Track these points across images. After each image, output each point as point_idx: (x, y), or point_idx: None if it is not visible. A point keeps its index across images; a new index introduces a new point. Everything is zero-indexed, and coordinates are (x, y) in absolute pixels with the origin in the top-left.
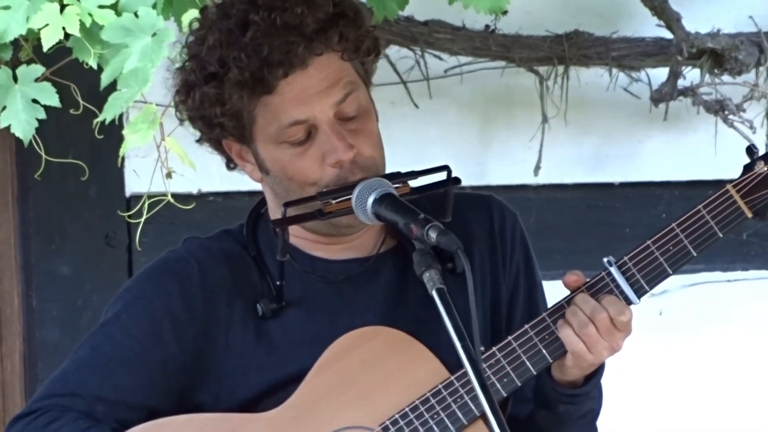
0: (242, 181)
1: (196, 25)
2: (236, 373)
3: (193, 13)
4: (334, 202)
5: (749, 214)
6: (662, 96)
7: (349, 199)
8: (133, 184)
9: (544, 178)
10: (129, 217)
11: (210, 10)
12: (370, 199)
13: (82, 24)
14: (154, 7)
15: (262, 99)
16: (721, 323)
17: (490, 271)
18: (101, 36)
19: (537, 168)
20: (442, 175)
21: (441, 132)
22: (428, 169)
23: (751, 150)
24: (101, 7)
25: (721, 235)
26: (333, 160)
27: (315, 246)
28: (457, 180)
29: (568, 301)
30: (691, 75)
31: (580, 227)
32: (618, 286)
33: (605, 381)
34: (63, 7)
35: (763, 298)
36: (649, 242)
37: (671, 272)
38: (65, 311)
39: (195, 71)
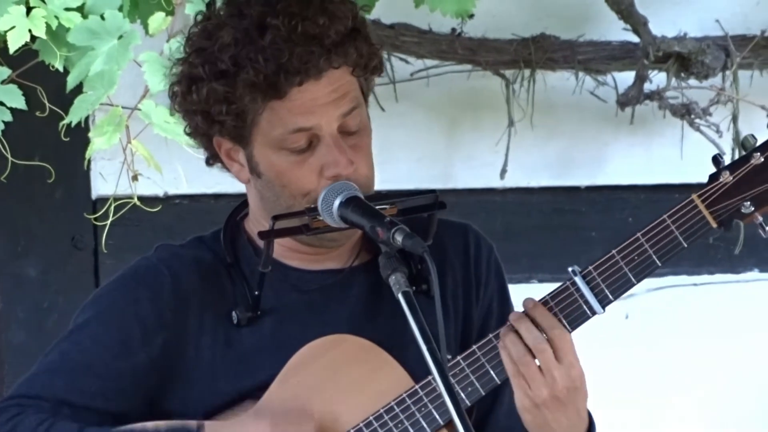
0: (208, 184)
1: (200, 18)
2: (206, 380)
3: (159, 16)
4: (321, 218)
5: (714, 224)
6: (629, 100)
7: None
8: (99, 187)
9: (511, 181)
10: (95, 219)
11: (219, 6)
12: (336, 202)
13: (48, 26)
14: (120, 9)
15: (271, 103)
16: (687, 327)
17: (463, 296)
18: (67, 38)
19: (503, 171)
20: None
21: (407, 135)
22: (415, 191)
23: (717, 159)
24: (67, 9)
25: (686, 245)
26: (332, 173)
27: (290, 255)
28: (443, 205)
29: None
30: (657, 79)
31: (546, 231)
32: (582, 295)
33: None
34: (29, 9)
35: (729, 302)
36: (614, 252)
37: (636, 282)
38: (31, 313)
39: (203, 66)
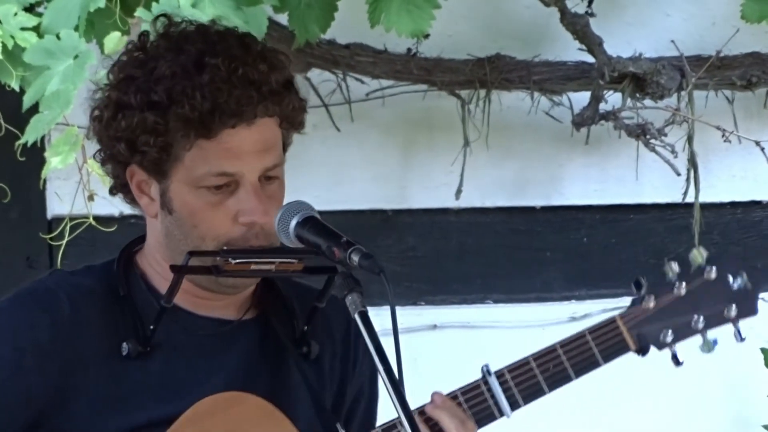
0: None
1: (131, 47)
2: (91, 413)
3: (115, 36)
4: (234, 262)
5: (633, 347)
6: (584, 120)
7: (249, 262)
8: (54, 207)
9: (466, 201)
10: (51, 239)
11: (154, 37)
12: (293, 222)
13: (4, 46)
14: (76, 29)
15: (199, 141)
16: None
17: (340, 370)
18: (23, 58)
19: (458, 192)
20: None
21: (362, 155)
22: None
23: (638, 282)
24: (23, 29)
25: (602, 364)
26: (248, 219)
27: (182, 297)
28: (335, 270)
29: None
30: (612, 99)
31: (501, 251)
32: (493, 396)
33: (527, 410)
34: None
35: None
36: (530, 358)
37: (548, 391)
38: None
39: (135, 95)
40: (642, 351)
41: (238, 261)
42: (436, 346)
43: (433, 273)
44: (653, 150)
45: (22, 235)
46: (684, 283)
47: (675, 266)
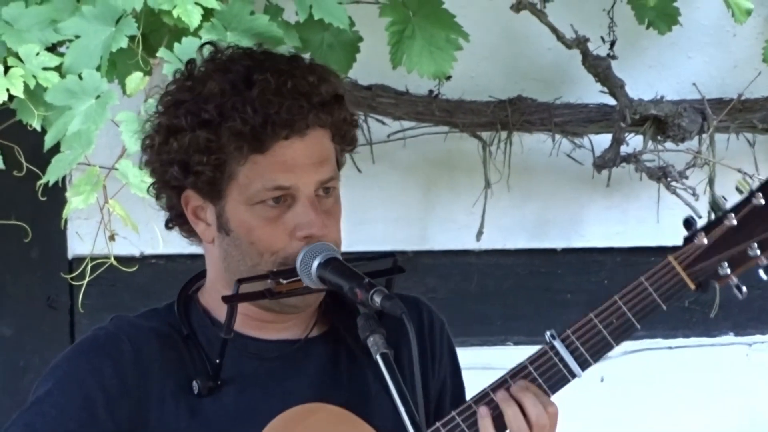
0: (184, 245)
1: (179, 75)
2: None
3: (137, 76)
4: (284, 282)
5: (692, 286)
6: (605, 162)
7: (299, 280)
8: (75, 246)
9: (487, 243)
10: (71, 279)
11: (201, 63)
12: (315, 263)
13: (26, 86)
14: (98, 69)
15: (253, 156)
16: (663, 390)
17: (421, 369)
18: (45, 98)
19: (479, 233)
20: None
21: (384, 196)
22: (375, 254)
23: (689, 221)
24: (45, 69)
25: (664, 308)
26: (305, 233)
27: (248, 324)
28: (401, 269)
29: (493, 389)
30: (634, 141)
31: (521, 293)
32: (562, 359)
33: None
34: (7, 68)
35: (704, 365)
36: (591, 315)
37: (615, 345)
38: (6, 373)
39: (186, 117)
40: (701, 287)
41: (289, 281)
42: None
43: (454, 314)
44: (674, 192)
45: (42, 275)
46: (733, 214)
47: (721, 199)
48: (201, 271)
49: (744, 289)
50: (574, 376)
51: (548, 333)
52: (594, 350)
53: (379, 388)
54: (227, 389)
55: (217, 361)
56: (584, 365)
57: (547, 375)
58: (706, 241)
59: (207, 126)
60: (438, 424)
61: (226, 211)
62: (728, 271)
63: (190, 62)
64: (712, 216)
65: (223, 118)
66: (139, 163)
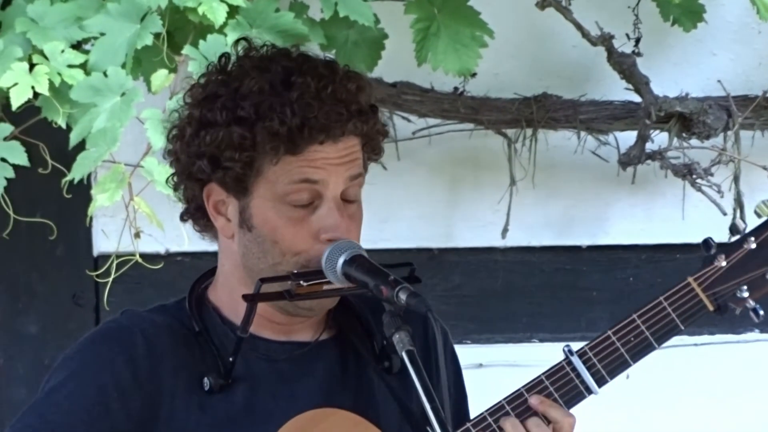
0: (210, 242)
1: (212, 68)
2: None
3: (162, 73)
4: (305, 284)
5: (711, 308)
6: (630, 159)
7: (320, 283)
8: (101, 244)
9: (512, 240)
10: (97, 276)
11: (236, 59)
12: (341, 260)
13: (51, 83)
14: (123, 66)
15: (285, 157)
16: (688, 387)
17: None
18: (70, 95)
19: (505, 230)
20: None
21: (409, 194)
22: (392, 264)
23: (708, 242)
24: (70, 66)
25: (683, 328)
26: (330, 236)
27: (258, 324)
28: (418, 279)
29: (508, 402)
30: (659, 139)
31: (547, 290)
32: (579, 375)
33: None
34: (32, 66)
35: (730, 362)
36: (609, 332)
37: (632, 363)
38: (32, 370)
39: (220, 111)
40: (720, 310)
41: (310, 283)
42: (482, 385)
43: (479, 312)
44: (699, 190)
45: (68, 273)
46: (753, 237)
47: (740, 223)
48: (210, 269)
49: (761, 312)
50: (590, 392)
51: (565, 348)
52: (611, 368)
53: (386, 392)
54: (237, 388)
55: (230, 359)
56: (601, 382)
57: (563, 390)
58: (725, 264)
59: (242, 123)
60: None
61: (250, 207)
62: (746, 294)
63: (224, 56)
64: (739, 214)
65: (259, 117)
66: (163, 153)
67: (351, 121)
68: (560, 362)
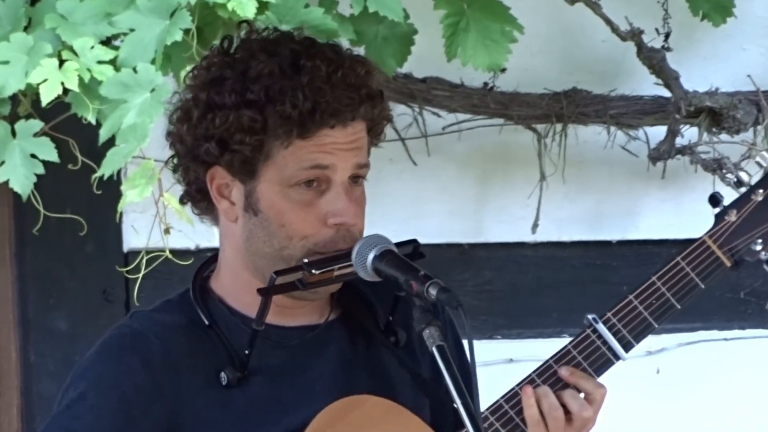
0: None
1: (215, 50)
2: None
3: None
4: (317, 272)
5: (728, 263)
6: (660, 154)
7: (332, 270)
8: (131, 240)
9: (542, 235)
10: (127, 272)
11: (240, 41)
12: (371, 256)
13: (80, 79)
14: (153, 62)
15: (295, 140)
16: (718, 382)
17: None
18: (100, 91)
19: (535, 225)
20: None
21: (439, 189)
22: (398, 243)
23: (715, 197)
24: (100, 62)
25: (702, 287)
26: (339, 220)
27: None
28: (422, 254)
29: (538, 374)
30: (689, 133)
31: (577, 285)
32: (605, 342)
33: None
34: (62, 62)
35: (760, 357)
36: (631, 297)
37: (657, 326)
38: (62, 366)
39: (229, 94)
40: (737, 265)
41: (321, 271)
42: (513, 380)
43: (509, 307)
44: (729, 184)
45: (98, 269)
46: (760, 189)
47: (745, 174)
48: (210, 257)
49: None
50: (618, 358)
51: (589, 316)
52: (636, 332)
53: (396, 364)
54: (254, 379)
55: (246, 351)
56: (627, 347)
57: (592, 358)
58: (736, 218)
59: (252, 106)
60: (486, 411)
61: (257, 191)
62: (759, 247)
63: (227, 38)
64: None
65: (270, 100)
66: (165, 135)
67: (362, 105)
68: (585, 331)
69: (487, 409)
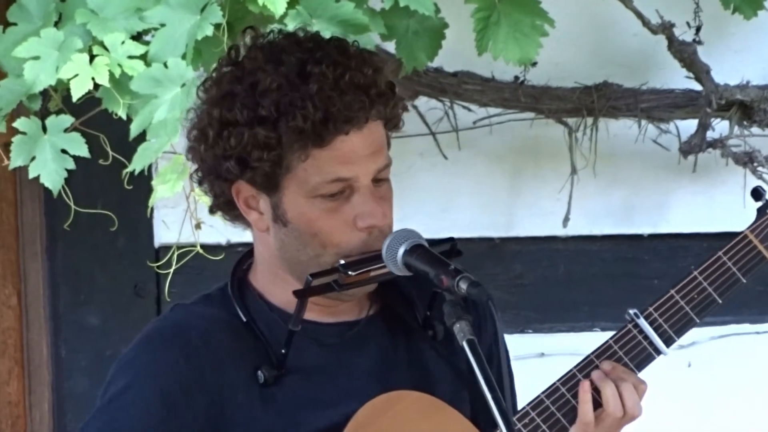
0: None
1: (223, 62)
2: None
3: None
4: (353, 274)
5: None
6: (691, 148)
7: (368, 270)
8: (162, 235)
9: (573, 229)
10: (158, 267)
11: (245, 51)
12: (401, 250)
13: (111, 74)
14: (183, 57)
15: (312, 151)
16: (750, 375)
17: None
18: (130, 86)
19: (566, 219)
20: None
21: (470, 183)
22: (434, 240)
23: (758, 191)
24: (130, 57)
25: (744, 281)
26: (367, 224)
27: (306, 308)
28: (459, 252)
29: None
30: (720, 127)
31: (608, 279)
32: (646, 337)
33: None
34: (92, 57)
35: None
36: (672, 291)
37: (698, 320)
38: (94, 361)
39: (241, 111)
40: None
41: (358, 272)
42: (544, 374)
43: (541, 301)
44: (760, 178)
45: (129, 264)
46: None
47: None
48: (247, 251)
49: None
50: (659, 353)
51: (631, 311)
52: (677, 326)
53: (436, 357)
54: (292, 377)
55: (282, 351)
56: (669, 342)
57: (633, 353)
58: None
59: (265, 122)
60: (527, 406)
61: (283, 203)
62: None
63: (234, 48)
64: None
65: (281, 114)
66: (185, 153)
67: (373, 107)
68: (626, 326)
69: (528, 404)
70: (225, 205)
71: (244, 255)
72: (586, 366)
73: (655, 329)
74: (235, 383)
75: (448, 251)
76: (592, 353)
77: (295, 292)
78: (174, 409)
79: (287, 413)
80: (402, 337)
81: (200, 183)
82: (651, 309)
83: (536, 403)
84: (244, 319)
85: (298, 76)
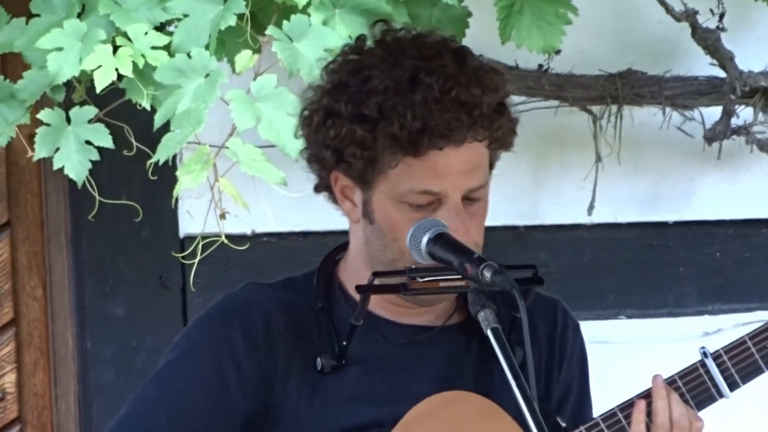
0: (296, 222)
1: (348, 49)
2: (290, 423)
3: (246, 54)
4: (421, 280)
5: None
6: (716, 135)
7: (437, 280)
8: (186, 225)
9: (598, 217)
10: (183, 258)
11: (371, 42)
12: (425, 238)
13: (135, 65)
14: (207, 48)
15: (406, 159)
16: None
17: (546, 370)
18: (154, 77)
19: (591, 207)
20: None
21: (494, 171)
22: (514, 266)
23: None
24: (154, 48)
25: None
26: None
27: (382, 306)
28: (541, 280)
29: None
30: (744, 113)
31: (634, 266)
32: (712, 378)
33: None
34: (116, 48)
35: None
36: (746, 338)
37: (766, 370)
38: (119, 352)
39: (346, 104)
40: None
41: (426, 280)
42: None
43: (566, 289)
44: None
45: (154, 254)
46: None
47: None
48: (345, 242)
49: None
50: (721, 396)
51: (701, 350)
52: (744, 373)
53: (504, 382)
54: (351, 369)
55: (344, 342)
56: (733, 387)
57: (695, 392)
58: None
59: (365, 122)
60: (582, 428)
61: (372, 201)
62: None
63: (360, 38)
64: None
65: (381, 117)
66: (295, 132)
67: (472, 128)
68: (695, 363)
69: (600, 416)
70: (326, 189)
71: (341, 244)
72: (647, 397)
73: (722, 372)
74: (291, 368)
75: (529, 278)
76: (633, 399)
77: (358, 288)
78: (224, 384)
79: (333, 404)
80: (476, 353)
81: (308, 162)
82: (722, 351)
83: (591, 425)
84: (320, 305)
85: (408, 83)
